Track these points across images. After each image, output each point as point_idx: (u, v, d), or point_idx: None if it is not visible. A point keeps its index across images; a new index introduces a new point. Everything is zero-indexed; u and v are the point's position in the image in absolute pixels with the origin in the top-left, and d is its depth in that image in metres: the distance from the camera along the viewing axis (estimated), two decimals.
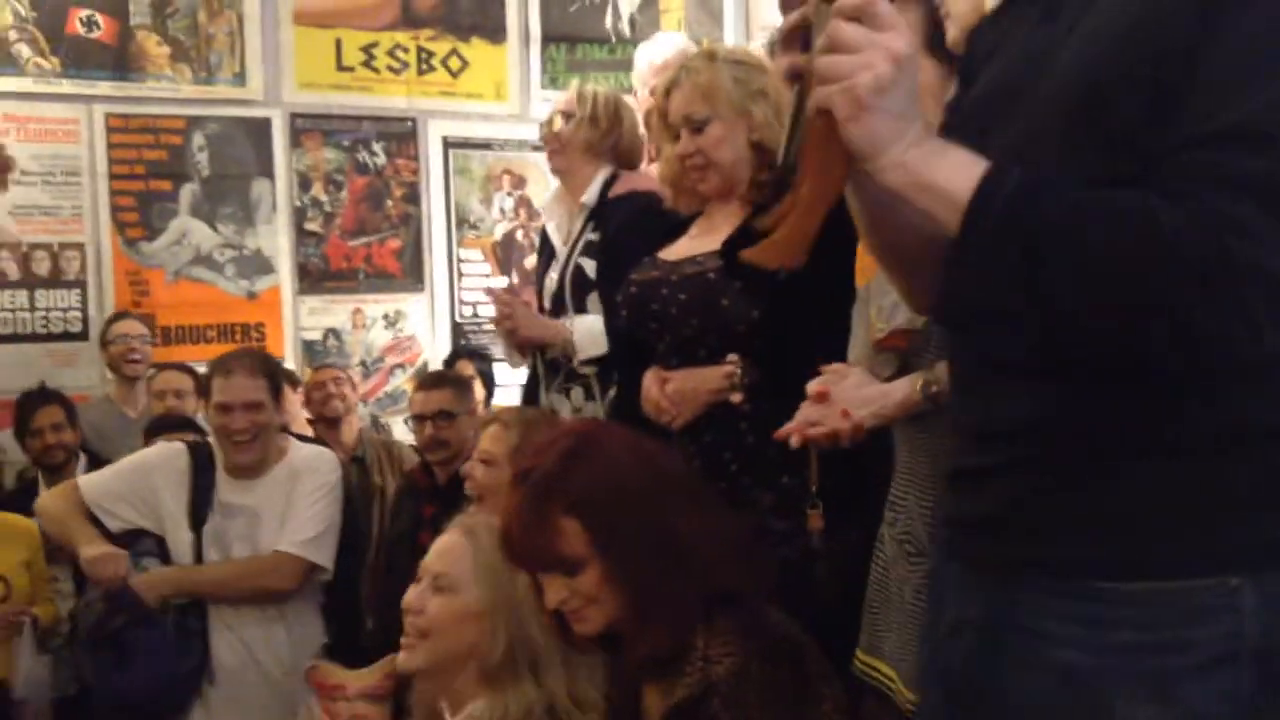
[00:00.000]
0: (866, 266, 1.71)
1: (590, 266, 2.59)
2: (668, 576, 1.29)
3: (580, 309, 2.60)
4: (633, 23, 5.11)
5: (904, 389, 1.57)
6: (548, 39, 4.99)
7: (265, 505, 2.72)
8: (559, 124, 2.70)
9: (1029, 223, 0.85)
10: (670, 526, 1.34)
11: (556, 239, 2.77)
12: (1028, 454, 0.96)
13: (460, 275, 4.86)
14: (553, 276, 2.71)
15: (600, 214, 2.63)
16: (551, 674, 1.49)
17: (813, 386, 1.65)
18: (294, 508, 2.72)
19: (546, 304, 2.72)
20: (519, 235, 4.96)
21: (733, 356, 1.95)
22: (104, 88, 4.33)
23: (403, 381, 4.70)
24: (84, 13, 4.31)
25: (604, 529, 1.30)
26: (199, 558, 2.66)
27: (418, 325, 4.80)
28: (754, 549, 1.46)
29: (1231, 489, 0.90)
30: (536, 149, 4.44)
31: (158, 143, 4.42)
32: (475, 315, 4.83)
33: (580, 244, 2.64)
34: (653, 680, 1.31)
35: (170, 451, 2.81)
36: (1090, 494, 0.93)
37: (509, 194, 4.95)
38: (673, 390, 2.00)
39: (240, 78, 4.52)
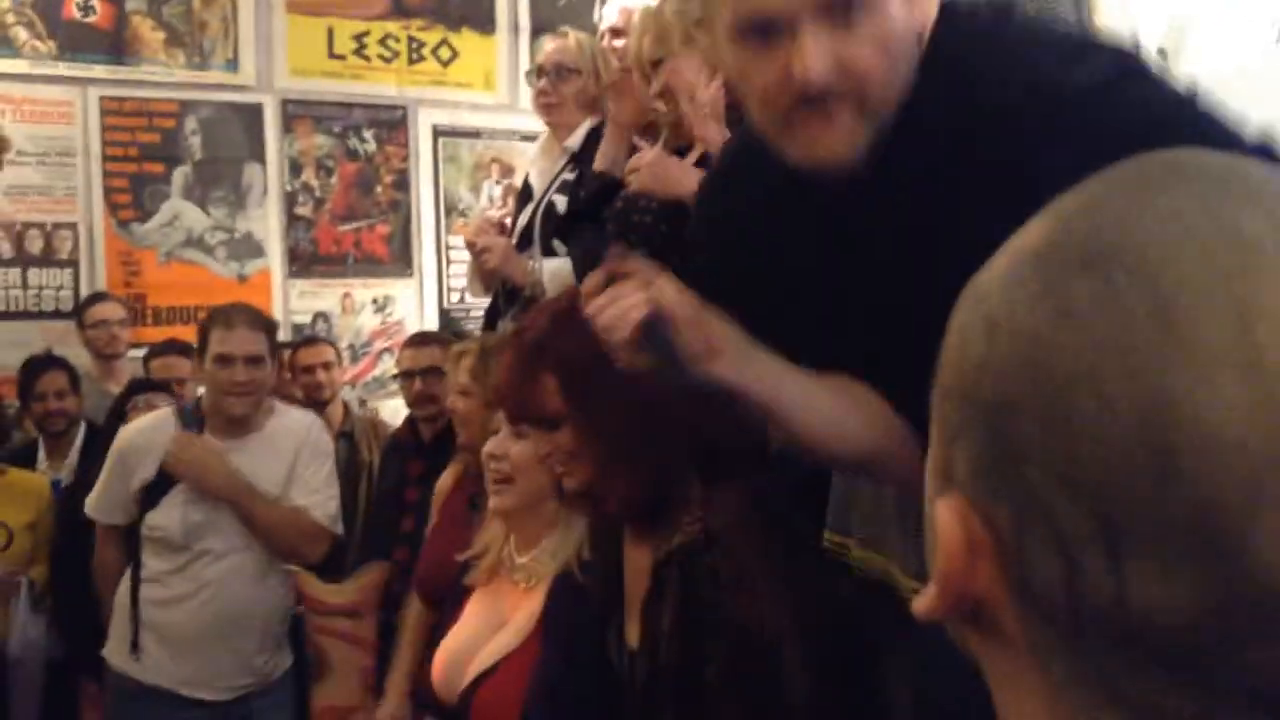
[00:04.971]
0: None
1: (563, 203, 2.66)
2: (642, 434, 1.32)
3: (546, 243, 2.66)
4: None
5: None
6: (537, 30, 5.07)
7: (259, 465, 2.68)
8: (553, 79, 2.78)
9: None
10: (647, 390, 1.37)
11: (537, 184, 2.86)
12: None
13: (449, 262, 4.93)
14: (525, 215, 2.79)
15: (582, 157, 2.70)
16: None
17: None
18: (307, 479, 2.72)
19: (513, 240, 2.79)
20: (507, 223, 5.03)
21: None
22: (99, 71, 4.39)
23: (390, 366, 4.76)
24: None
25: (579, 388, 1.34)
26: (176, 518, 2.60)
27: (406, 310, 4.87)
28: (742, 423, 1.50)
29: None
30: (525, 139, 4.53)
31: (151, 126, 4.48)
32: (463, 301, 4.90)
33: (557, 183, 2.72)
34: (639, 539, 1.37)
35: (147, 424, 2.76)
36: None
37: (497, 182, 5.02)
38: (657, 158, 2.13)
39: (233, 64, 4.59)
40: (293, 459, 2.74)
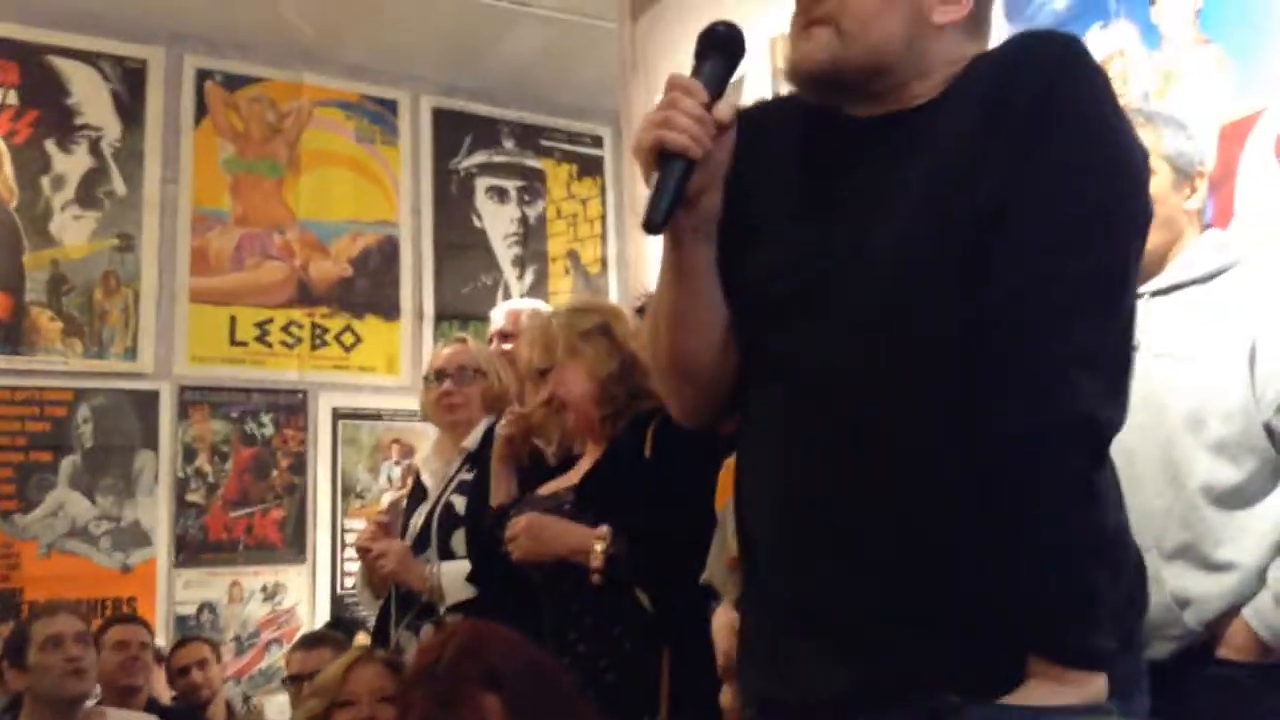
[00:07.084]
0: (724, 489, 1.84)
1: (460, 504, 2.63)
2: None
3: (444, 545, 2.62)
4: None
5: None
6: (440, 317, 5.21)
7: None
8: (457, 380, 2.77)
9: None
10: (572, 702, 1.38)
11: (430, 484, 2.81)
12: None
13: (344, 545, 4.83)
14: (419, 516, 2.74)
15: (479, 456, 2.67)
16: None
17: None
18: None
19: (408, 543, 2.72)
20: (405, 504, 4.98)
21: (604, 527, 2.01)
22: None
23: (278, 658, 4.56)
24: None
25: (524, 703, 1.30)
26: None
27: (298, 597, 4.72)
28: None
29: None
30: (426, 419, 4.56)
31: (42, 414, 4.43)
32: (356, 588, 4.77)
33: (454, 483, 2.69)
34: None
35: None
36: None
37: (397, 463, 5.01)
38: (531, 522, 2.09)
39: (131, 353, 4.61)
40: None
